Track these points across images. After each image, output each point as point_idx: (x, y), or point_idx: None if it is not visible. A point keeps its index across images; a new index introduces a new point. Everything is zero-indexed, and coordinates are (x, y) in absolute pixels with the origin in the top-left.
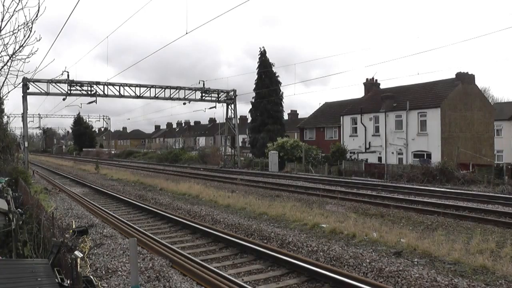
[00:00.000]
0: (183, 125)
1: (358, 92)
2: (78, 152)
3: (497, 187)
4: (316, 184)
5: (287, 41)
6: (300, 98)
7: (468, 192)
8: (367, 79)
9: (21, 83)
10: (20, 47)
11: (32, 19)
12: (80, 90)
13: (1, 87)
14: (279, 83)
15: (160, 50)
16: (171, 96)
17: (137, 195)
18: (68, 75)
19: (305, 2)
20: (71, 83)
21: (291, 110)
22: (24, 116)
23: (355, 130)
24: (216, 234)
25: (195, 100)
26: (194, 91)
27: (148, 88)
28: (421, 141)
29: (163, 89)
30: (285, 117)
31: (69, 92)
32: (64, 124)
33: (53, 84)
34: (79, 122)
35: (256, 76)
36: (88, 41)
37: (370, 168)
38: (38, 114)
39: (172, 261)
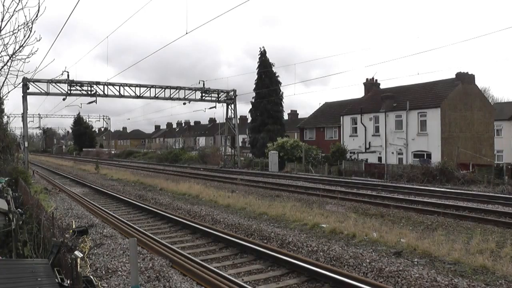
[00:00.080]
0: (183, 125)
1: (358, 92)
2: (78, 152)
3: (497, 187)
4: (316, 184)
5: (287, 41)
6: (300, 98)
7: (468, 192)
8: (367, 79)
9: (21, 83)
10: (20, 47)
11: (32, 19)
12: (80, 90)
13: (1, 87)
14: (279, 83)
15: (160, 50)
16: (171, 96)
17: (137, 195)
18: (68, 75)
19: (305, 2)
20: (71, 83)
21: (291, 110)
22: (24, 116)
23: (355, 130)
24: (216, 234)
25: (195, 100)
26: (194, 91)
27: (148, 88)
28: (421, 141)
29: (163, 89)
30: (285, 117)
31: (69, 92)
32: (64, 124)
33: (53, 84)
34: (79, 122)
35: (256, 76)
36: (88, 41)
37: (370, 168)
38: (38, 114)
39: (172, 261)
